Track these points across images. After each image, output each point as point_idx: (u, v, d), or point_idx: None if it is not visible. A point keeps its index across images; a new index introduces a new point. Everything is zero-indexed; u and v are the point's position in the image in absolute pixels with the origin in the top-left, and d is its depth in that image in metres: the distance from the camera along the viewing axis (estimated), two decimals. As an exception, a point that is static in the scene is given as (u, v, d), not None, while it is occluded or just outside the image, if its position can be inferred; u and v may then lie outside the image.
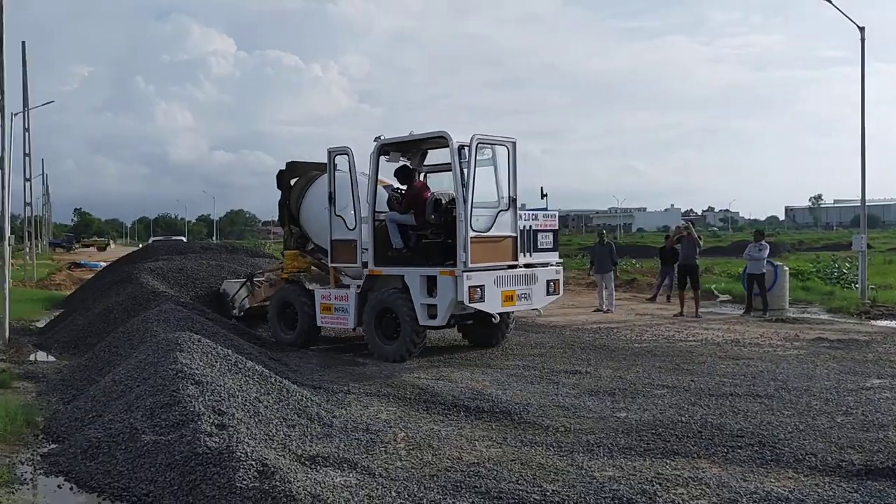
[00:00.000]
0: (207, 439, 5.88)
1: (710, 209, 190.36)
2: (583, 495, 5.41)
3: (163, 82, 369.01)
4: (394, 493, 5.56)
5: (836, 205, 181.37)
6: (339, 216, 11.79)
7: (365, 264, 11.52)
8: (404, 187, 11.94)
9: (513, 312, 12.05)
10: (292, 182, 13.65)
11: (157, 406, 6.69)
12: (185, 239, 33.94)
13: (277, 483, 5.26)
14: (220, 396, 6.92)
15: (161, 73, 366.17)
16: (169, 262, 15.07)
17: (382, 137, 11.55)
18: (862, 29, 18.37)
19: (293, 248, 13.50)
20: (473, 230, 10.50)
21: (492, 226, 10.90)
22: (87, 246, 75.85)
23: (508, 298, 11.09)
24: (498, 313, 11.23)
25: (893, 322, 15.50)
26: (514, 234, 11.21)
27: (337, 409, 7.95)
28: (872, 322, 15.60)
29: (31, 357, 12.19)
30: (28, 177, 33.16)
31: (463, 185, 10.40)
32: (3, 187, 12.74)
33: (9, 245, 13.35)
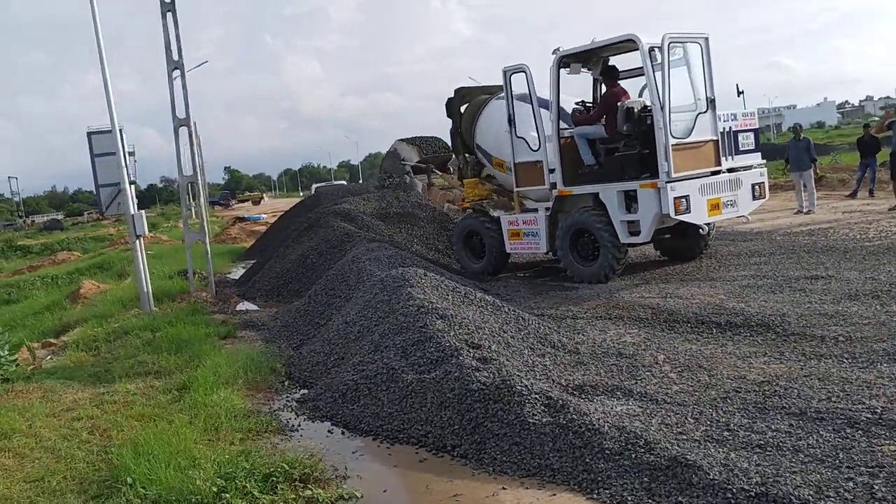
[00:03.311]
0: (477, 374, 5.55)
1: (869, 98, 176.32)
2: (924, 411, 4.69)
3: (289, 36, 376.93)
4: (692, 420, 5.04)
5: None
6: (520, 138, 11.21)
7: (553, 185, 10.93)
8: (590, 101, 11.20)
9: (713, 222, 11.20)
10: (462, 109, 13.16)
11: (409, 344, 6.44)
12: (345, 183, 34.39)
13: (574, 416, 4.86)
14: (469, 329, 6.61)
15: (286, 28, 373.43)
16: (353, 205, 15.01)
17: (561, 49, 10.80)
18: None
19: (470, 176, 13.07)
20: (673, 137, 9.68)
21: (692, 130, 10.03)
22: (243, 201, 79.12)
23: (714, 207, 10.25)
24: (705, 223, 10.45)
25: None
26: (715, 138, 10.30)
27: (576, 335, 7.49)
28: None
29: (240, 307, 12.49)
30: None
31: (659, 90, 9.57)
32: (193, 148, 12.94)
33: (206, 203, 13.67)
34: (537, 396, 5.16)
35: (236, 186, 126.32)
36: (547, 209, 11.13)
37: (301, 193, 62.48)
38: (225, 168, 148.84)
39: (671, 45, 9.69)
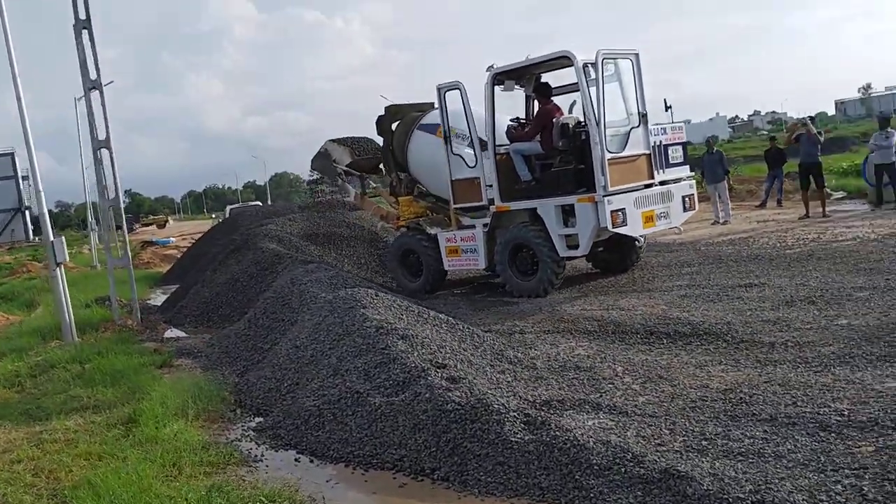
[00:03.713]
0: (449, 395, 5.48)
1: (756, 112, 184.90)
2: (888, 412, 4.88)
3: (188, 55, 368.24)
4: (667, 431, 5.10)
5: (887, 92, 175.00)
6: (456, 154, 11.24)
7: (491, 201, 10.99)
8: (523, 118, 11.36)
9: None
10: (393, 127, 13.10)
11: (371, 366, 6.31)
12: (260, 203, 33.70)
13: (557, 432, 4.84)
14: (431, 349, 6.53)
15: (186, 46, 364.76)
16: (280, 226, 14.72)
17: (495, 66, 10.89)
18: None
19: (403, 193, 13.00)
20: (609, 151, 9.90)
21: (626, 145, 10.29)
22: (147, 225, 76.65)
23: (649, 219, 10.51)
24: (640, 236, 10.71)
25: None
26: (647, 152, 10.58)
27: (529, 350, 7.51)
28: None
29: (168, 334, 12.05)
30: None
31: (594, 106, 9.78)
32: (111, 173, 12.45)
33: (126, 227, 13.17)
34: (515, 414, 5.13)
35: (138, 210, 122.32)
36: (485, 225, 11.17)
37: (214, 216, 60.91)
38: (126, 191, 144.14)
39: (604, 61, 9.90)
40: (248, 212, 23.39)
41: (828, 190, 19.42)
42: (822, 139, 16.21)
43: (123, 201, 13.52)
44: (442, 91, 11.16)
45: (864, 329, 6.84)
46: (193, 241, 24.54)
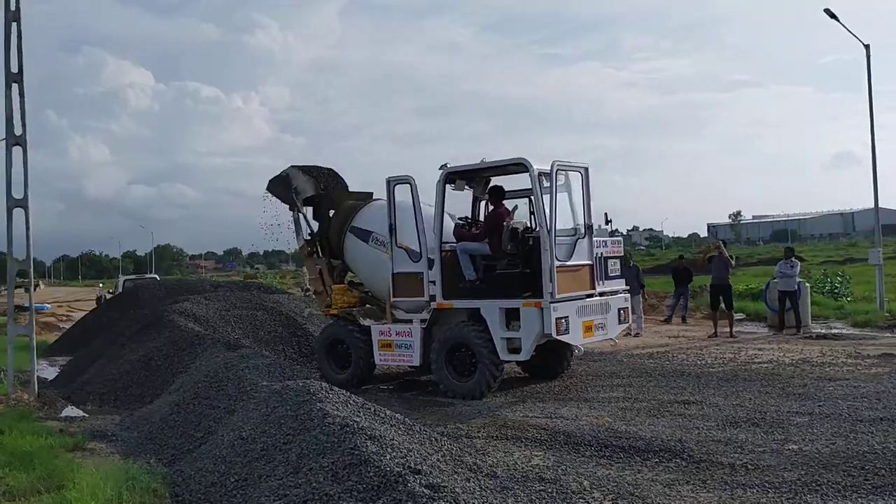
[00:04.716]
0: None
1: (635, 228, 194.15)
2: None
3: (77, 116, 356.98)
4: (660, 554, 4.98)
5: (754, 220, 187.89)
6: (401, 248, 11.14)
7: (433, 297, 10.89)
8: (469, 217, 11.43)
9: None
10: (330, 214, 12.88)
11: (340, 467, 5.92)
12: (157, 277, 32.29)
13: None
14: (402, 452, 6.21)
15: (75, 107, 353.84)
16: (195, 304, 14.05)
17: (449, 165, 11.00)
18: (867, 46, 18.73)
19: (336, 282, 12.68)
20: (557, 259, 10.05)
21: (572, 254, 10.49)
22: (16, 288, 72.04)
23: (588, 329, 10.68)
24: (581, 345, 10.83)
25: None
26: (590, 262, 10.83)
27: (484, 457, 7.31)
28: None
29: (66, 412, 11.13)
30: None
31: (546, 213, 9.97)
32: None
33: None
34: (512, 530, 4.89)
35: (2, 273, 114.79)
36: (423, 321, 11.00)
37: (101, 284, 57.95)
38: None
39: (557, 171, 10.14)
40: (149, 285, 22.23)
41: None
42: (733, 263, 17.01)
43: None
44: (392, 183, 11.12)
45: (818, 456, 7.00)
46: (89, 311, 23.05)
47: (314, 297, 13.71)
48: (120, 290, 26.54)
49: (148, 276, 33.50)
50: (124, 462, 7.89)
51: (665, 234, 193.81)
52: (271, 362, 9.98)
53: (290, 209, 12.85)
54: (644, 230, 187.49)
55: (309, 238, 12.89)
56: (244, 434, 7.16)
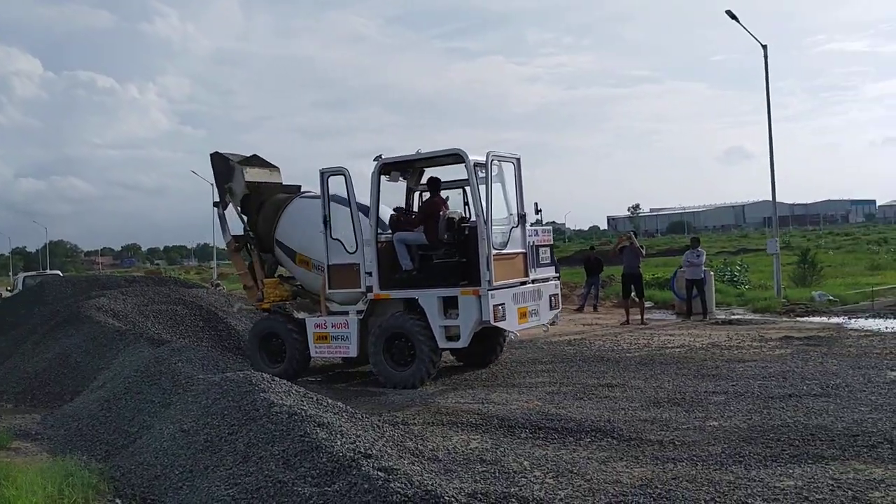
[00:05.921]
0: (391, 485, 5.34)
1: (538, 221, 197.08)
2: (800, 508, 5.35)
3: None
4: (605, 526, 5.28)
5: (652, 213, 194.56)
6: (336, 240, 11.18)
7: (369, 288, 10.98)
8: (404, 208, 11.61)
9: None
10: (259, 207, 12.74)
11: (291, 454, 6.02)
12: (60, 273, 30.98)
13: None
14: (351, 437, 6.34)
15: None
16: (112, 300, 13.68)
17: (384, 156, 11.08)
18: (765, 47, 19.76)
19: (266, 275, 12.63)
20: (493, 248, 10.31)
21: (507, 243, 10.78)
22: None
23: (523, 315, 10.99)
24: (516, 331, 11.14)
25: (825, 318, 16.66)
26: (524, 251, 11.14)
27: (423, 442, 7.50)
28: (807, 319, 16.71)
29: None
30: None
31: (482, 203, 10.21)
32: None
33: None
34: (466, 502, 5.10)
35: None
36: (359, 312, 11.08)
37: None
38: None
39: (492, 161, 10.38)
40: (54, 282, 21.25)
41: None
42: (644, 253, 17.69)
43: None
44: (326, 175, 11.14)
45: (737, 431, 7.49)
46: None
47: (244, 291, 13.60)
48: (20, 287, 25.40)
49: (49, 272, 32.12)
50: (55, 460, 7.74)
51: (567, 227, 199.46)
52: (204, 355, 9.91)
53: (215, 205, 12.85)
54: (547, 223, 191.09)
55: (236, 234, 12.82)
56: (185, 426, 7.14)
